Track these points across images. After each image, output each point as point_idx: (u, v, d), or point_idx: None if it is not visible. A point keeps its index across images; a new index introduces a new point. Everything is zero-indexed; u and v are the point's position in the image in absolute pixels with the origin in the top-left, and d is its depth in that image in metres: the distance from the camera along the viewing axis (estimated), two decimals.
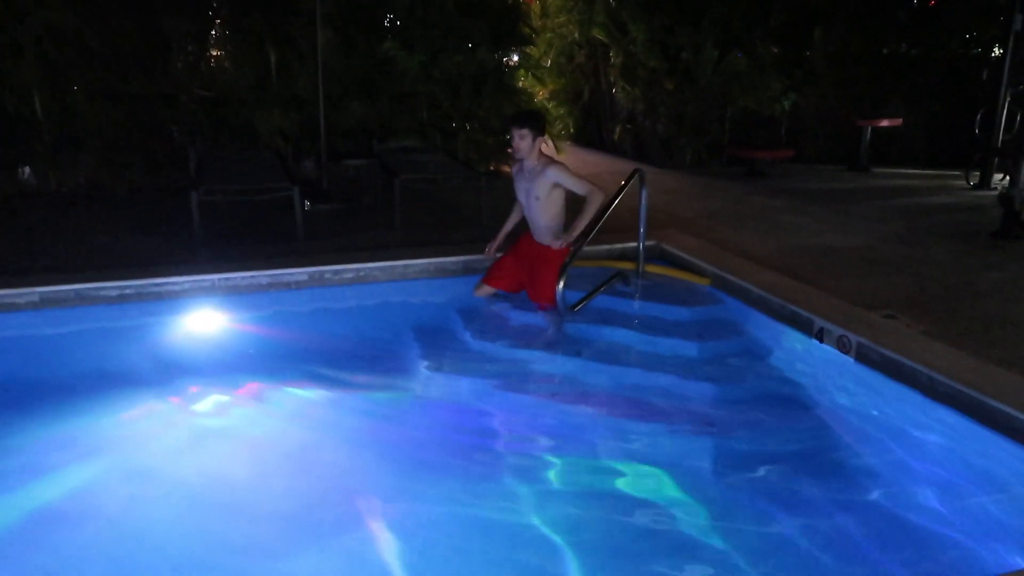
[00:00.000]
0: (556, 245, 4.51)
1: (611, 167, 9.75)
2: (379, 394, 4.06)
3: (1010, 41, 8.22)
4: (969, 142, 8.94)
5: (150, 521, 2.93)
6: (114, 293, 4.53)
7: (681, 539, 2.90)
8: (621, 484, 3.28)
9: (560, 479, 3.30)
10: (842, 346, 3.90)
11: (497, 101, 8.73)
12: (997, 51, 9.45)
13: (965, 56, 10.16)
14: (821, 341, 4.03)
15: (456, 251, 5.24)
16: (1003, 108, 8.41)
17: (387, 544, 2.83)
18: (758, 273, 4.85)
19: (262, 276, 4.81)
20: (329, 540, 2.83)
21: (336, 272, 4.95)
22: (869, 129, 9.72)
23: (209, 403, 3.90)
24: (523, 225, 4.82)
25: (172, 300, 4.63)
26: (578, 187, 4.45)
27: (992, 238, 6.11)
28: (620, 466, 3.43)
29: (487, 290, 4.83)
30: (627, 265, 5.14)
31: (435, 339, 4.55)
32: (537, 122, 4.51)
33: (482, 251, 4.96)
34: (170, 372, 4.07)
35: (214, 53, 8.31)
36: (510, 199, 4.93)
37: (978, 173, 8.60)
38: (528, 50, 9.77)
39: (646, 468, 3.39)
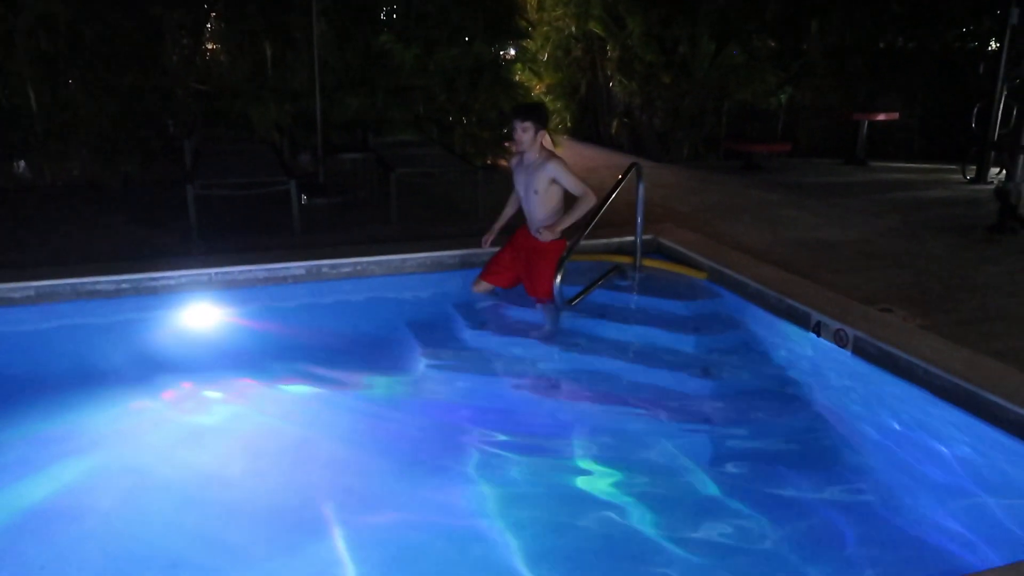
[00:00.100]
0: (541, 237, 4.51)
1: (608, 161, 9.73)
2: (376, 388, 4.06)
3: (1006, 35, 8.22)
4: (966, 136, 8.95)
5: (146, 516, 2.93)
6: (110, 287, 4.51)
7: (676, 531, 2.91)
8: (618, 478, 3.29)
9: (557, 473, 3.30)
10: (839, 340, 3.91)
11: (494, 95, 8.70)
12: (994, 45, 9.45)
13: (962, 50, 10.17)
14: (818, 335, 4.04)
15: (453, 245, 5.23)
16: (1000, 102, 8.41)
17: (382, 539, 2.83)
18: (755, 267, 4.85)
19: (259, 270, 4.80)
20: (324, 535, 2.83)
21: (333, 266, 4.94)
22: (866, 123, 9.72)
23: (205, 398, 3.89)
24: (519, 218, 4.82)
25: (168, 294, 4.61)
26: (574, 187, 4.44)
27: (988, 232, 6.12)
28: (616, 459, 3.43)
29: (485, 286, 4.82)
30: (624, 259, 5.14)
31: (432, 333, 4.55)
32: (540, 115, 4.50)
33: (479, 245, 4.95)
34: (166, 367, 4.07)
35: (209, 46, 8.27)
36: (507, 193, 4.92)
37: (974, 167, 8.61)
38: (524, 44, 9.73)
39: (642, 461, 3.40)
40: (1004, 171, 8.22)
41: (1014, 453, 2.99)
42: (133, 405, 3.74)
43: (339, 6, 7.90)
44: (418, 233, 5.79)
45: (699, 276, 5.01)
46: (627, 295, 4.77)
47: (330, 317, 4.85)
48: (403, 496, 3.09)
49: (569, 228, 4.49)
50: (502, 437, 3.61)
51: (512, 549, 2.77)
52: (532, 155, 4.50)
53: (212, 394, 3.91)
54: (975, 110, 8.72)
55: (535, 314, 4.63)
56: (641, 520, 2.98)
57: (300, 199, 5.90)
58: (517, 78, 9.57)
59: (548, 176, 4.45)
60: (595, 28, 10.29)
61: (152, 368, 4.03)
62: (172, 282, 4.62)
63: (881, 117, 9.79)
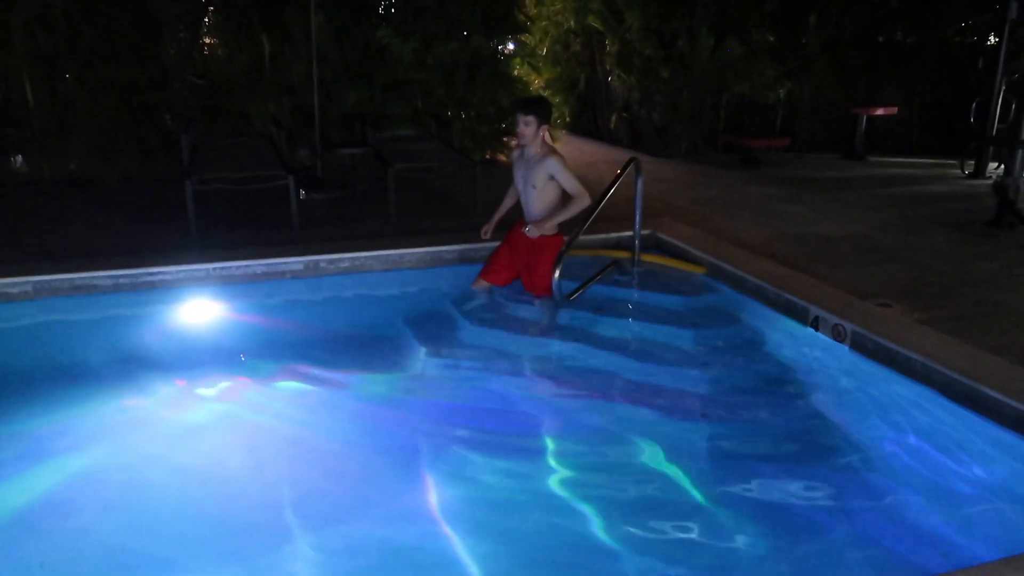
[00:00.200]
0: (528, 233, 4.50)
1: (607, 156, 9.73)
2: (375, 384, 4.06)
3: (1005, 29, 8.21)
4: (964, 131, 8.95)
5: (146, 509, 2.93)
6: (108, 282, 4.51)
7: (674, 525, 2.92)
8: (617, 472, 3.30)
9: (555, 467, 3.30)
10: (837, 334, 3.91)
11: (492, 89, 8.68)
12: (992, 39, 9.44)
13: (961, 44, 10.16)
14: (816, 329, 4.04)
15: (452, 240, 5.22)
16: (998, 97, 8.40)
17: (383, 532, 2.84)
18: (753, 262, 4.85)
19: (257, 265, 4.79)
20: (324, 528, 2.84)
21: (332, 261, 4.93)
22: (864, 117, 9.71)
23: (204, 392, 3.89)
24: (517, 212, 4.81)
25: (167, 289, 4.61)
26: (570, 185, 4.44)
27: (987, 227, 6.13)
28: (615, 453, 3.44)
29: (483, 285, 4.83)
30: (622, 254, 5.14)
31: (431, 328, 4.54)
32: (543, 109, 4.49)
33: (477, 240, 4.95)
34: (165, 361, 4.06)
35: (207, 40, 8.24)
36: (505, 188, 4.92)
37: (973, 162, 8.61)
38: (523, 38, 9.71)
39: (641, 455, 3.40)
40: (1003, 166, 8.21)
41: (1013, 448, 3.00)
42: (131, 399, 3.73)
43: (337, 0, 7.88)
44: (416, 228, 5.79)
45: (697, 271, 5.01)
46: (625, 290, 4.77)
47: (328, 312, 4.85)
48: (403, 488, 3.09)
49: (563, 224, 4.49)
50: (500, 430, 3.61)
51: (507, 544, 2.78)
52: (533, 149, 4.50)
53: (209, 390, 3.91)
54: (974, 105, 8.72)
55: (533, 309, 4.63)
56: (637, 509, 2.98)
57: (298, 194, 5.90)
58: (516, 73, 9.55)
59: (547, 172, 4.45)
60: (594, 22, 10.27)
61: (150, 363, 4.02)
62: (170, 277, 4.61)
63: (880, 112, 9.79)
